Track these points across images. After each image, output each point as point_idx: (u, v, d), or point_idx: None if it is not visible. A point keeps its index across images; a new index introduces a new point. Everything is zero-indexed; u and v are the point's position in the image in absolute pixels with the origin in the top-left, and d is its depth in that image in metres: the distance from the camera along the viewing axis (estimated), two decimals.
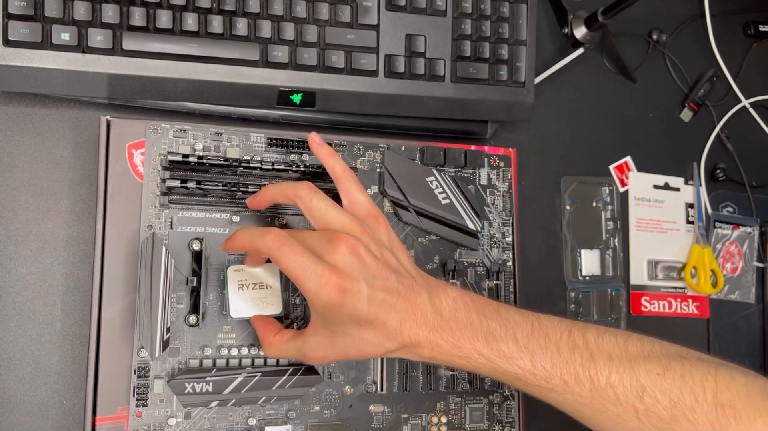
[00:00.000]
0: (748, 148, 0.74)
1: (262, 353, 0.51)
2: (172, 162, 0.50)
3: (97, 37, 0.49)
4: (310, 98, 0.55)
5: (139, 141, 0.50)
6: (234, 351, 0.51)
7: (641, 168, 0.69)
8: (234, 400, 0.49)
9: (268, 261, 0.51)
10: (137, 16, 0.50)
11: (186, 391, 0.48)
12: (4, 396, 0.49)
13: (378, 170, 0.57)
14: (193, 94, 0.52)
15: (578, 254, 0.65)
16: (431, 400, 0.56)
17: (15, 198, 0.51)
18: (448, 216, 0.57)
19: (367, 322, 0.43)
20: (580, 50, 0.67)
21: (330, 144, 0.55)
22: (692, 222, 0.70)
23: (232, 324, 0.51)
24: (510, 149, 0.61)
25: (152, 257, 0.47)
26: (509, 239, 0.60)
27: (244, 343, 0.51)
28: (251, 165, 0.51)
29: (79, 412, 0.50)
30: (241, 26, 0.52)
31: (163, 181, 0.49)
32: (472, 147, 0.60)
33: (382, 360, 0.55)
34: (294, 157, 0.54)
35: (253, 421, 0.51)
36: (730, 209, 0.73)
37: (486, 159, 0.60)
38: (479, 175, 0.60)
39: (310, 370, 0.52)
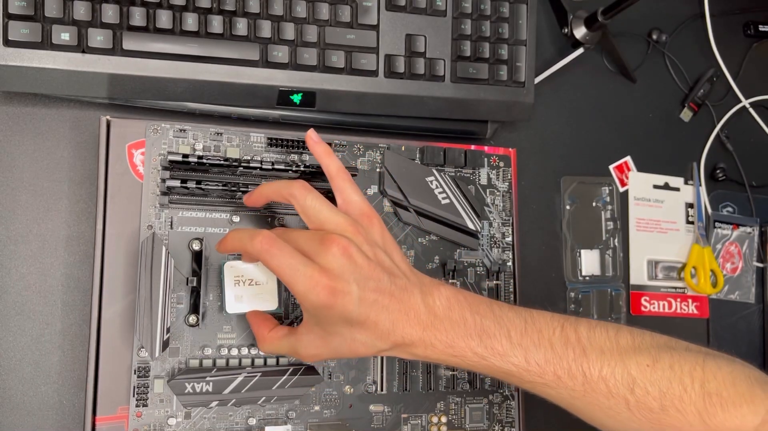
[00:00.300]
0: (747, 148, 0.74)
1: (262, 353, 0.51)
2: (172, 162, 0.50)
3: (97, 37, 0.49)
4: (310, 98, 0.55)
5: (139, 141, 0.51)
6: (234, 351, 0.51)
7: (641, 168, 0.69)
8: (234, 400, 0.49)
9: None
10: (137, 16, 0.50)
11: (186, 391, 0.48)
12: (4, 396, 0.49)
13: (378, 170, 0.57)
14: (193, 94, 0.52)
15: (578, 254, 0.65)
16: (431, 400, 0.56)
17: (15, 198, 0.51)
18: (448, 216, 0.57)
19: (359, 323, 0.43)
20: (580, 50, 0.67)
21: (330, 144, 0.55)
22: (692, 222, 0.70)
23: (232, 324, 0.51)
24: (510, 149, 0.61)
25: (152, 257, 0.47)
26: (509, 239, 0.60)
27: (244, 343, 0.51)
28: (251, 165, 0.51)
29: (79, 412, 0.50)
30: (241, 26, 0.52)
31: (163, 181, 0.49)
32: (472, 147, 0.60)
33: (381, 360, 0.55)
34: (294, 157, 0.54)
35: (253, 421, 0.51)
36: (729, 209, 0.73)
37: (486, 159, 0.60)
38: (479, 175, 0.60)
39: (310, 370, 0.52)
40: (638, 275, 0.68)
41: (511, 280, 0.59)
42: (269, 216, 0.53)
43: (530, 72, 0.61)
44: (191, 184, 0.49)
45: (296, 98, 0.55)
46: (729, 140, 0.73)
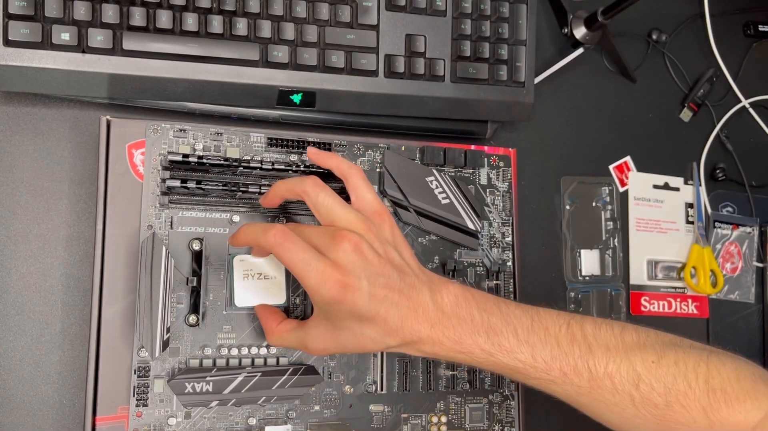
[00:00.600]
0: (747, 148, 0.74)
1: (262, 353, 0.51)
2: (172, 162, 0.50)
3: (98, 37, 0.49)
4: (310, 98, 0.55)
5: (139, 141, 0.51)
6: (234, 351, 0.51)
7: (641, 168, 0.69)
8: (234, 400, 0.49)
9: None
10: (137, 16, 0.50)
11: (186, 391, 0.48)
12: (4, 396, 0.49)
13: (378, 170, 0.57)
14: (193, 94, 0.52)
15: (578, 254, 0.65)
16: (431, 400, 0.56)
17: (15, 198, 0.51)
18: (448, 216, 0.57)
19: (368, 318, 0.44)
20: (580, 50, 0.67)
21: (330, 144, 0.55)
22: (692, 222, 0.70)
23: (232, 324, 0.51)
24: (510, 149, 0.61)
25: (152, 257, 0.47)
26: (509, 239, 0.60)
27: (244, 343, 0.51)
28: (251, 165, 0.51)
29: (79, 412, 0.50)
30: (241, 26, 0.52)
31: (163, 180, 0.49)
32: (472, 147, 0.60)
33: (382, 360, 0.55)
34: (294, 157, 0.54)
35: (253, 421, 0.51)
36: (729, 209, 0.73)
37: (486, 159, 0.60)
38: (479, 175, 0.60)
39: (310, 370, 0.52)
40: (638, 275, 0.68)
41: (511, 280, 0.59)
42: (270, 217, 0.53)
43: (530, 72, 0.61)
44: (191, 184, 0.49)
45: (296, 98, 0.55)
46: (729, 140, 0.73)
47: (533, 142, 0.65)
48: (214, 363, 0.50)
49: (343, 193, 0.49)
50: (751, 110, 0.75)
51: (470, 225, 0.58)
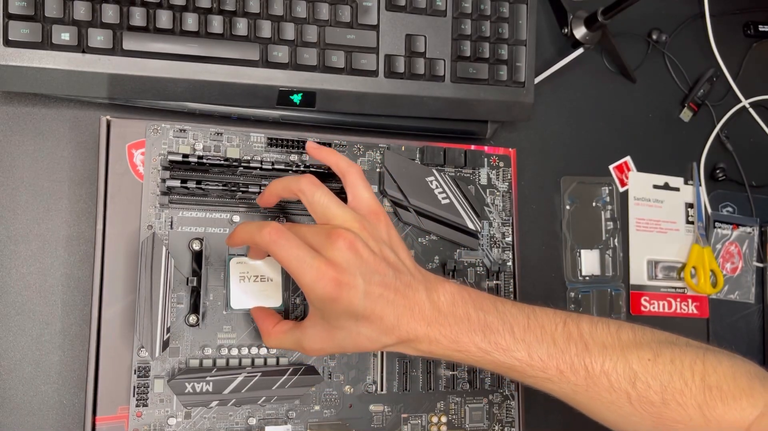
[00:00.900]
0: (747, 148, 0.74)
1: (262, 353, 0.51)
2: (172, 162, 0.50)
3: (98, 37, 0.49)
4: (310, 98, 0.55)
5: (140, 141, 0.51)
6: (234, 351, 0.51)
7: (641, 168, 0.69)
8: (234, 400, 0.49)
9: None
10: (137, 16, 0.50)
11: (186, 391, 0.48)
12: (4, 396, 0.49)
13: (378, 170, 0.57)
14: (194, 94, 0.52)
15: (578, 254, 0.65)
16: (431, 400, 0.56)
17: (15, 198, 0.51)
18: (448, 217, 0.57)
19: (364, 317, 0.44)
20: (580, 50, 0.67)
21: (330, 144, 0.55)
22: (692, 222, 0.70)
23: (232, 324, 0.51)
24: (510, 149, 0.61)
25: (152, 257, 0.47)
26: (509, 239, 0.60)
27: (244, 343, 0.51)
28: (251, 165, 0.51)
29: (79, 412, 0.50)
30: (241, 26, 0.52)
31: (163, 180, 0.49)
32: (472, 147, 0.60)
33: (381, 360, 0.55)
34: (294, 157, 0.54)
35: (253, 421, 0.51)
36: (729, 209, 0.73)
37: (486, 159, 0.60)
38: (479, 175, 0.60)
39: (310, 370, 0.52)
40: (638, 275, 0.68)
41: (511, 280, 0.60)
42: (270, 217, 0.53)
43: (530, 72, 0.61)
44: (191, 184, 0.49)
45: (296, 98, 0.55)
46: (729, 140, 0.73)
47: (533, 142, 0.65)
48: (214, 363, 0.50)
49: (342, 194, 0.48)
50: (751, 110, 0.75)
51: (470, 225, 0.58)
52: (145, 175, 0.50)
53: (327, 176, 0.52)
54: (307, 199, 0.46)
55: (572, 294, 0.65)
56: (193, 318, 0.50)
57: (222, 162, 0.50)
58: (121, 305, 0.49)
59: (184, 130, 0.52)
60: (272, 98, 0.54)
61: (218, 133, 0.52)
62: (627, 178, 0.68)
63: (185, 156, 0.50)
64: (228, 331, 0.51)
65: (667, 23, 0.72)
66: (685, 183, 0.71)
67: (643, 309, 0.67)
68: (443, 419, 0.56)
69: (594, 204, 0.67)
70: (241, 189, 0.51)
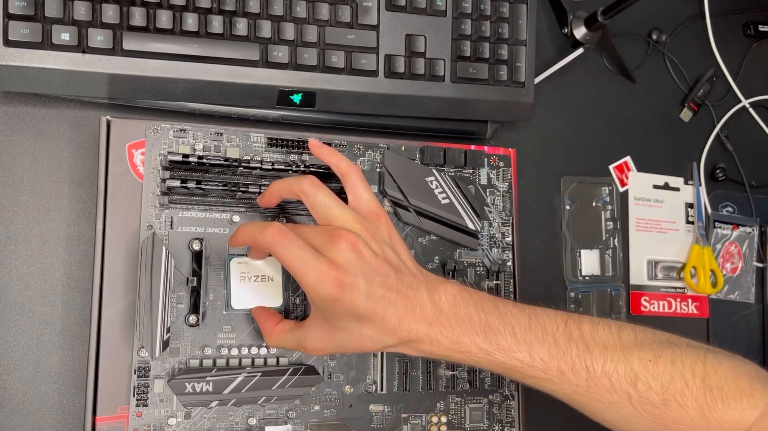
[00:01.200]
0: (747, 148, 0.74)
1: (262, 353, 0.51)
2: (172, 162, 0.50)
3: (98, 37, 0.49)
4: (310, 98, 0.55)
5: (140, 141, 0.51)
6: (234, 351, 0.51)
7: (641, 168, 0.69)
8: (234, 400, 0.49)
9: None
10: (137, 16, 0.50)
11: (186, 391, 0.48)
12: (4, 396, 0.49)
13: (378, 170, 0.57)
14: (194, 94, 0.52)
15: (578, 254, 0.65)
16: (431, 400, 0.56)
17: (15, 198, 0.51)
18: (448, 217, 0.57)
19: (366, 317, 0.44)
20: (580, 50, 0.67)
21: (330, 144, 0.55)
22: (692, 222, 0.70)
23: (232, 324, 0.51)
24: (510, 149, 0.61)
25: (152, 257, 0.47)
26: (509, 239, 0.60)
27: (244, 343, 0.51)
28: (251, 165, 0.51)
29: (79, 412, 0.50)
30: (241, 26, 0.52)
31: (163, 181, 0.49)
32: (472, 147, 0.60)
33: (382, 360, 0.55)
34: (294, 157, 0.54)
35: (253, 421, 0.51)
36: (729, 209, 0.73)
37: (486, 159, 0.60)
38: (479, 175, 0.60)
39: (310, 370, 0.52)
40: (638, 275, 0.68)
41: (511, 280, 0.60)
42: (270, 217, 0.53)
43: (530, 72, 0.61)
44: (191, 184, 0.49)
45: (296, 98, 0.55)
46: (729, 140, 0.73)
47: (533, 142, 0.65)
48: (214, 363, 0.50)
49: (342, 194, 0.49)
50: (751, 110, 0.75)
51: (470, 225, 0.58)
52: (145, 175, 0.50)
53: (327, 176, 0.52)
54: (309, 200, 0.46)
55: (572, 294, 0.65)
56: (193, 318, 0.50)
57: (222, 162, 0.50)
58: (121, 305, 0.49)
59: (184, 130, 0.52)
60: (272, 98, 0.54)
61: (218, 133, 0.52)
62: (627, 178, 0.68)
63: (185, 156, 0.50)
64: (228, 331, 0.51)
65: (667, 23, 0.72)
66: (685, 183, 0.71)
67: (643, 309, 0.67)
68: (443, 419, 0.56)
69: (594, 204, 0.67)
70: (241, 189, 0.51)
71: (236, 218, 0.52)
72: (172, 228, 0.51)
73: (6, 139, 0.51)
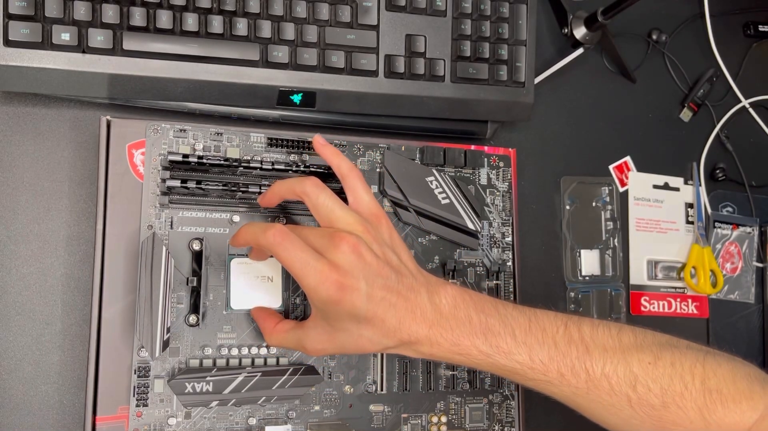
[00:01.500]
0: (747, 148, 0.74)
1: (262, 353, 0.51)
2: (172, 162, 0.50)
3: (98, 37, 0.49)
4: (310, 98, 0.55)
5: (140, 141, 0.51)
6: (234, 351, 0.51)
7: (641, 168, 0.69)
8: (234, 400, 0.49)
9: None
10: (137, 16, 0.50)
11: (186, 391, 0.48)
12: (4, 396, 0.49)
13: (378, 170, 0.57)
14: (194, 94, 0.52)
15: (578, 254, 0.65)
16: (431, 400, 0.56)
17: (15, 198, 0.51)
18: (448, 217, 0.57)
19: (366, 319, 0.44)
20: (580, 50, 0.67)
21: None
22: (692, 222, 0.70)
23: (232, 324, 0.51)
24: (510, 149, 0.61)
25: (152, 257, 0.47)
26: (509, 239, 0.60)
27: (244, 343, 0.51)
28: (251, 165, 0.51)
29: (80, 412, 0.50)
30: (241, 26, 0.52)
31: (164, 180, 0.49)
32: (472, 147, 0.60)
33: (382, 360, 0.55)
34: (294, 157, 0.54)
35: (253, 421, 0.51)
36: (729, 209, 0.73)
37: (486, 159, 0.60)
38: (479, 175, 0.60)
39: (310, 370, 0.52)
40: (638, 275, 0.68)
41: (511, 280, 0.60)
42: (270, 217, 0.53)
43: (530, 72, 0.61)
44: (191, 184, 0.49)
45: (296, 98, 0.55)
46: (729, 140, 0.73)
47: (533, 142, 0.65)
48: (214, 363, 0.50)
49: (341, 194, 0.49)
50: (751, 110, 0.75)
51: (470, 225, 0.58)
52: (145, 175, 0.50)
53: (327, 176, 0.52)
54: (311, 201, 0.46)
55: (572, 294, 0.65)
56: (193, 318, 0.50)
57: (222, 162, 0.50)
58: (121, 305, 0.49)
59: (184, 130, 0.52)
60: (272, 98, 0.54)
61: (218, 133, 0.52)
62: (627, 178, 0.68)
63: (185, 156, 0.50)
64: (228, 331, 0.51)
65: (667, 23, 0.72)
66: (685, 183, 0.71)
67: (643, 309, 0.67)
68: (443, 419, 0.56)
69: (594, 204, 0.67)
70: (241, 189, 0.51)
71: (236, 218, 0.52)
72: (172, 228, 0.51)
73: (6, 139, 0.51)
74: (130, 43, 0.50)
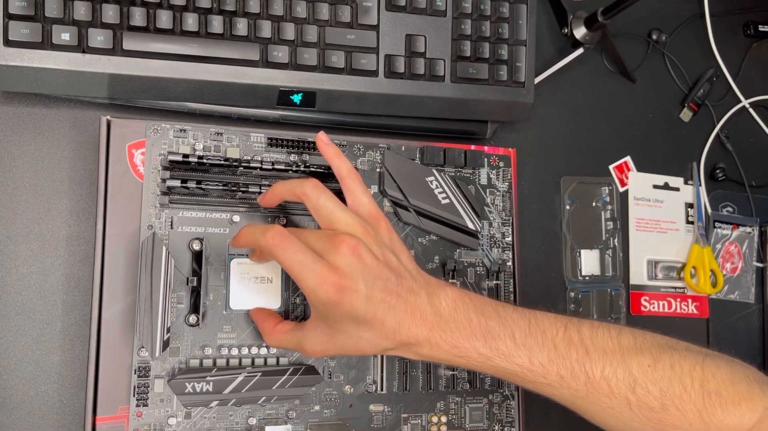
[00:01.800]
0: (747, 148, 0.74)
1: (262, 353, 0.51)
2: (172, 162, 0.50)
3: (98, 37, 0.49)
4: (310, 98, 0.55)
5: (140, 141, 0.51)
6: (234, 351, 0.51)
7: (641, 168, 0.69)
8: (234, 400, 0.49)
9: None
10: (137, 16, 0.50)
11: (186, 391, 0.48)
12: (4, 396, 0.49)
13: (378, 170, 0.57)
14: (194, 94, 0.52)
15: (578, 254, 0.65)
16: (431, 400, 0.56)
17: (15, 198, 0.51)
18: (448, 217, 0.57)
19: (365, 321, 0.44)
20: (580, 50, 0.67)
21: None
22: (692, 222, 0.70)
23: (233, 324, 0.51)
24: (510, 149, 0.61)
25: (152, 257, 0.47)
26: (509, 239, 0.60)
27: (245, 343, 0.51)
28: (251, 165, 0.51)
29: (80, 412, 0.50)
30: (242, 26, 0.52)
31: (164, 180, 0.49)
32: (472, 147, 0.60)
33: (382, 359, 0.55)
34: (294, 157, 0.54)
35: (253, 421, 0.51)
36: (729, 209, 0.73)
37: (486, 159, 0.60)
38: (479, 175, 0.60)
39: (310, 370, 0.52)
40: (638, 275, 0.68)
41: (511, 280, 0.60)
42: (270, 217, 0.53)
43: (530, 72, 0.61)
44: (191, 184, 0.49)
45: (296, 98, 0.55)
46: (729, 140, 0.73)
47: (533, 142, 0.65)
48: (214, 363, 0.50)
49: (340, 194, 0.48)
50: (751, 110, 0.75)
51: (470, 225, 0.58)
52: (145, 175, 0.50)
53: (327, 176, 0.52)
54: (311, 203, 0.46)
55: (572, 294, 0.65)
56: (193, 318, 0.50)
57: (222, 162, 0.50)
58: (121, 305, 0.49)
59: (184, 130, 0.52)
60: (272, 98, 0.54)
61: (218, 133, 0.52)
62: (627, 178, 0.68)
63: (185, 156, 0.50)
64: (228, 331, 0.51)
65: (667, 23, 0.72)
66: (685, 183, 0.71)
67: (642, 309, 0.67)
68: (443, 419, 0.56)
69: (594, 204, 0.67)
70: (241, 189, 0.51)
71: (236, 218, 0.52)
72: (172, 228, 0.51)
73: (6, 139, 0.51)
74: (130, 43, 0.50)
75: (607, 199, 0.67)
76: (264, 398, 0.50)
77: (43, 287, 0.50)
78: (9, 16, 0.47)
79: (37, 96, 0.52)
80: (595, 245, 0.66)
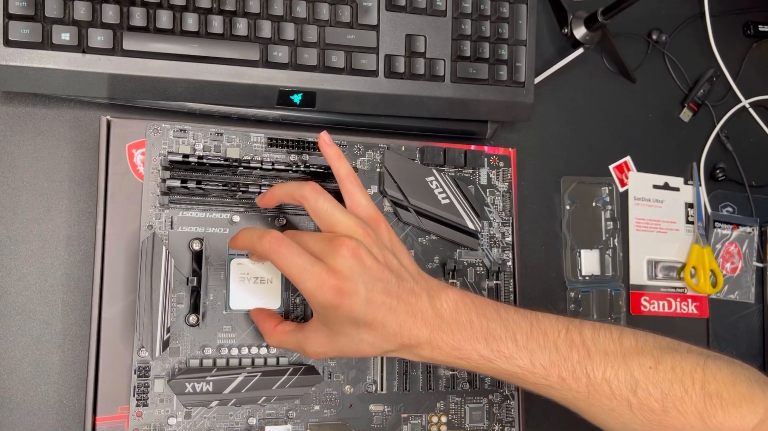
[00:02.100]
0: (747, 148, 0.74)
1: (262, 353, 0.51)
2: (172, 162, 0.50)
3: (98, 37, 0.49)
4: (310, 98, 0.55)
5: (140, 141, 0.51)
6: (234, 351, 0.51)
7: (641, 168, 0.69)
8: (234, 400, 0.49)
9: None
10: (137, 16, 0.50)
11: (186, 391, 0.48)
12: (4, 396, 0.49)
13: (378, 170, 0.57)
14: (194, 94, 0.52)
15: (578, 254, 0.65)
16: (431, 400, 0.56)
17: (15, 198, 0.51)
18: (448, 217, 0.57)
19: (366, 324, 0.44)
20: (580, 50, 0.67)
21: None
22: (692, 222, 0.70)
23: (233, 323, 0.51)
24: (510, 149, 0.61)
25: (152, 257, 0.47)
26: (509, 239, 0.60)
27: (245, 343, 0.51)
28: (251, 165, 0.51)
29: (80, 412, 0.50)
30: (242, 26, 0.52)
31: (164, 180, 0.49)
32: (472, 147, 0.60)
33: (382, 360, 0.55)
34: (294, 157, 0.54)
35: (253, 421, 0.51)
36: (729, 209, 0.73)
37: (486, 159, 0.60)
38: (479, 175, 0.60)
39: (310, 370, 0.52)
40: (638, 275, 0.68)
41: (511, 280, 0.60)
42: (270, 217, 0.53)
43: (530, 72, 0.61)
44: (191, 184, 0.49)
45: (296, 98, 0.55)
46: (729, 140, 0.73)
47: (533, 142, 0.65)
48: (214, 363, 0.50)
49: (338, 195, 0.48)
50: (751, 110, 0.75)
51: (470, 225, 0.58)
52: (145, 175, 0.50)
53: (327, 176, 0.52)
54: (310, 206, 0.46)
55: (572, 294, 0.65)
56: (193, 318, 0.50)
57: (222, 162, 0.50)
58: (121, 305, 0.49)
59: (184, 130, 0.52)
60: (272, 98, 0.54)
61: (218, 133, 0.52)
62: (627, 178, 0.68)
63: (185, 156, 0.50)
64: (228, 331, 0.51)
65: (667, 23, 0.72)
66: (685, 183, 0.71)
67: (643, 309, 0.67)
68: (443, 419, 0.56)
69: (594, 204, 0.67)
70: (241, 189, 0.51)
71: (236, 218, 0.52)
72: (172, 228, 0.51)
73: (6, 139, 0.51)
74: (130, 43, 0.50)
75: (607, 199, 0.67)
76: (264, 398, 0.50)
77: (43, 287, 0.50)
78: (9, 16, 0.47)
79: (37, 96, 0.52)
80: (595, 245, 0.66)
